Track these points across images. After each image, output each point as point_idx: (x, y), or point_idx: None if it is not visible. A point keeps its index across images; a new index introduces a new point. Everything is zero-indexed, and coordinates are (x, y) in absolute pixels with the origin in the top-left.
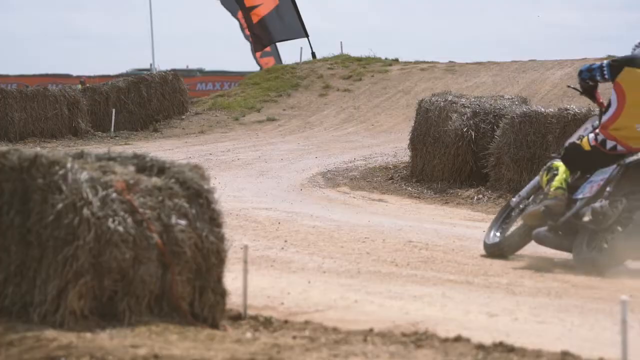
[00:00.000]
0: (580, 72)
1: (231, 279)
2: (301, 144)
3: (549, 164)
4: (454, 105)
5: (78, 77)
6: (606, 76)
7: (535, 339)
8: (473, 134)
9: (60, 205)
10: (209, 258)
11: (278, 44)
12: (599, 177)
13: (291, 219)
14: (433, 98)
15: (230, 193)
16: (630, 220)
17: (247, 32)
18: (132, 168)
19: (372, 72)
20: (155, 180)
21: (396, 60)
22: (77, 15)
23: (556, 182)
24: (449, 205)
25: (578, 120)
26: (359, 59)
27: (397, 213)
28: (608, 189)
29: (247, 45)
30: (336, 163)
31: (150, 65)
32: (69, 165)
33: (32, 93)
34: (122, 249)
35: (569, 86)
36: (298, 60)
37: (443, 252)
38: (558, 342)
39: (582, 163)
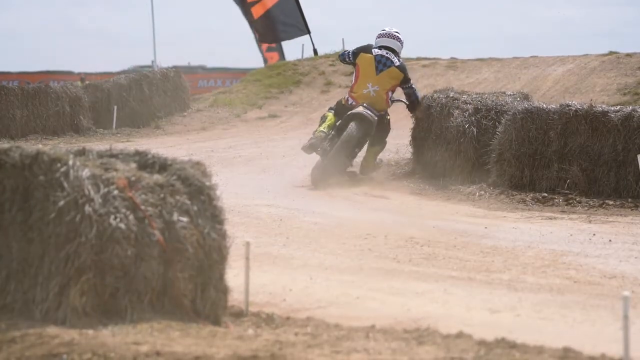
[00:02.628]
0: (339, 56)
1: (233, 276)
2: (303, 140)
3: (324, 113)
4: (456, 101)
5: (79, 74)
6: (350, 59)
7: (537, 335)
8: (475, 130)
9: (62, 203)
10: (211, 255)
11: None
12: None
13: (293, 216)
14: (435, 94)
15: (231, 190)
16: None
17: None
18: (133, 165)
19: None
20: (157, 177)
21: None
22: (78, 12)
23: (320, 127)
24: (450, 202)
25: (579, 117)
26: None
27: (398, 209)
28: (332, 131)
29: (248, 42)
30: None
31: (152, 62)
32: (70, 162)
33: (34, 90)
34: (124, 246)
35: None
36: (300, 57)
37: (445, 249)
38: (560, 338)
39: (341, 113)
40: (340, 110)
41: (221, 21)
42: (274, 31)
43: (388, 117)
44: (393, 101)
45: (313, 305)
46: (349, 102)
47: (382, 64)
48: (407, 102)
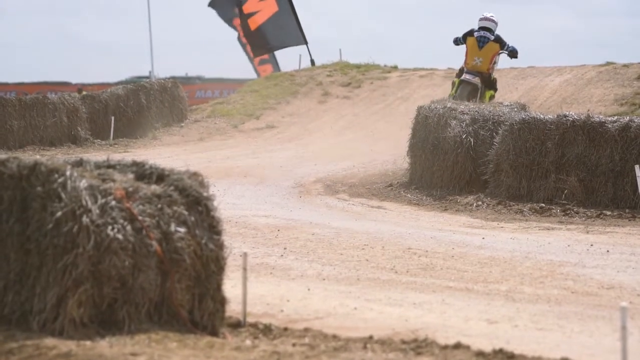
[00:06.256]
0: (453, 41)
1: (230, 287)
2: (300, 151)
3: (453, 80)
4: (453, 112)
5: (76, 85)
6: (462, 41)
7: (535, 345)
8: (472, 140)
9: (59, 213)
10: (208, 265)
11: (276, 51)
12: None
13: (290, 226)
14: (432, 105)
15: (229, 200)
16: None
17: (244, 40)
18: (131, 176)
19: (371, 79)
20: (155, 188)
21: (395, 67)
22: (76, 23)
23: (451, 91)
24: (448, 212)
25: (577, 127)
26: (357, 66)
27: (396, 220)
28: (458, 91)
29: (245, 54)
30: (335, 170)
31: (150, 72)
32: (68, 173)
33: (31, 101)
34: (122, 257)
35: None
36: (297, 68)
37: (442, 259)
38: (558, 349)
39: (460, 75)
40: (460, 74)
41: (218, 32)
42: (267, 41)
43: (494, 76)
44: (495, 61)
45: (311, 316)
46: (464, 70)
47: (481, 42)
48: (507, 53)
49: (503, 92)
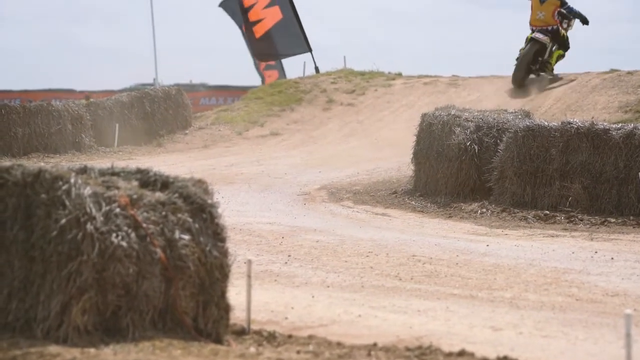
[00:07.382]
0: None
1: (235, 294)
2: (304, 158)
3: (527, 36)
4: (457, 119)
5: (81, 92)
6: None
7: (539, 353)
8: (476, 147)
9: (63, 221)
10: (213, 273)
11: (282, 59)
12: None
13: (295, 233)
14: (436, 112)
15: (233, 207)
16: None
17: (251, 45)
18: (135, 183)
19: (375, 87)
20: (159, 195)
21: (399, 74)
22: (80, 30)
23: (522, 47)
24: (452, 219)
25: (581, 134)
26: (362, 73)
27: (400, 227)
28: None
29: (250, 60)
30: (339, 177)
31: (154, 80)
32: (72, 180)
33: (36, 108)
34: (126, 264)
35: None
36: (301, 75)
37: (447, 266)
38: (562, 357)
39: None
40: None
41: (223, 39)
42: (274, 49)
43: (563, 32)
44: (569, 23)
45: (315, 323)
46: (532, 27)
47: None
48: (565, 12)
49: (507, 99)
